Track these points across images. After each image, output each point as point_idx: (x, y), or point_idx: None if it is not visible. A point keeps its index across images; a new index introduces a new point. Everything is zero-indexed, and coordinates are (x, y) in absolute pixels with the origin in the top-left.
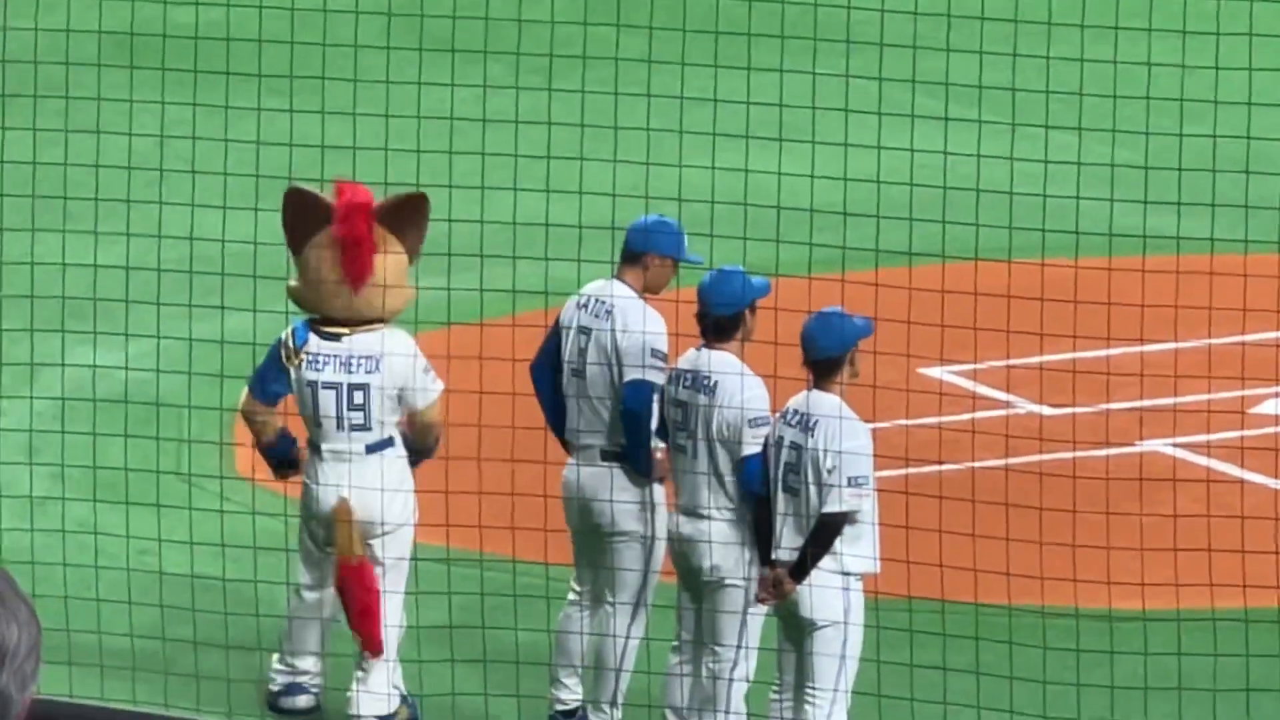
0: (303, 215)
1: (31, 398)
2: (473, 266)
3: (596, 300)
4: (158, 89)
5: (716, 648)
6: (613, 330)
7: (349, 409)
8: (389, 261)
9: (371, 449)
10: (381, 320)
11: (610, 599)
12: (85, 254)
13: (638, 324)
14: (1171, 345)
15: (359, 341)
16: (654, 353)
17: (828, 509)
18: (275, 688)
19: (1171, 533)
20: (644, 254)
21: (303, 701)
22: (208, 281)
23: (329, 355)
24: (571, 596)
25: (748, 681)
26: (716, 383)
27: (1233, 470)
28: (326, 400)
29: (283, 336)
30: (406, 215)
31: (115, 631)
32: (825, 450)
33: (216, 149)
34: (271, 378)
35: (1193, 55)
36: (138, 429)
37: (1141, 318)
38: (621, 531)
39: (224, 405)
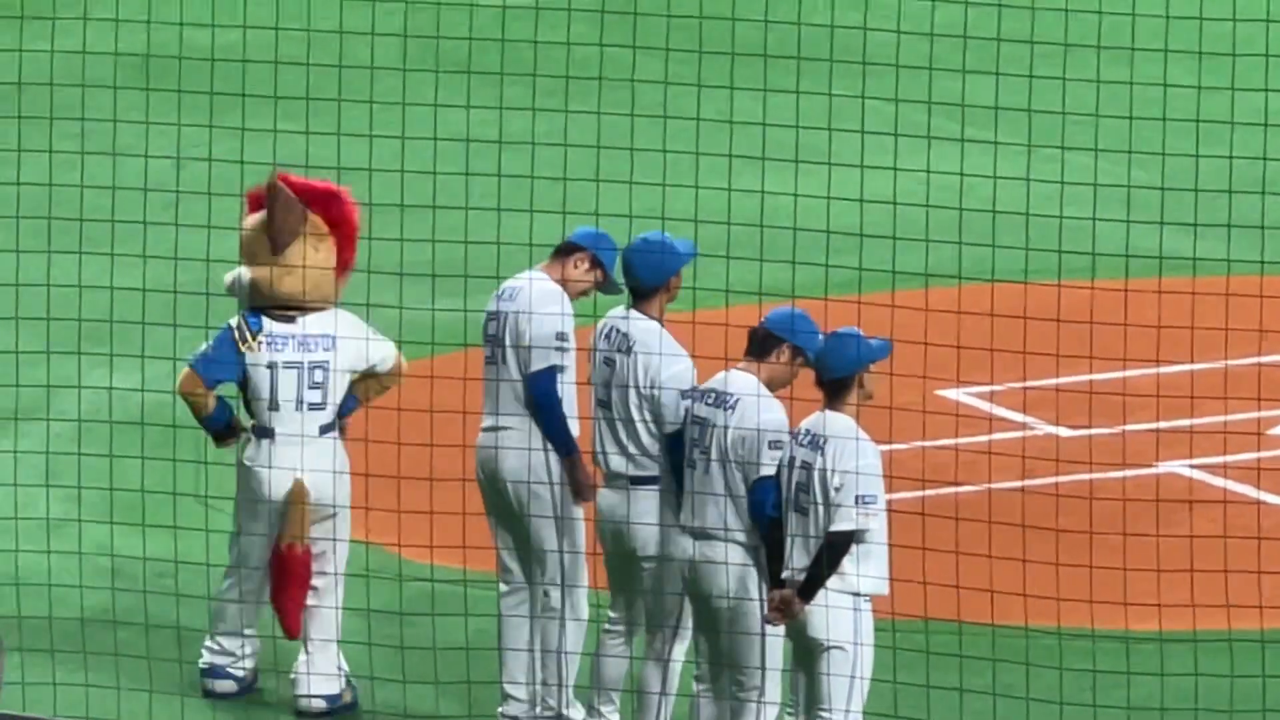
0: (291, 208)
1: (48, 420)
2: (489, 288)
3: (618, 332)
4: (174, 111)
5: (740, 676)
6: (635, 361)
7: (309, 388)
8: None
9: (324, 430)
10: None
11: (646, 622)
12: (102, 276)
13: (659, 354)
14: (1188, 366)
15: (312, 322)
16: (683, 393)
17: (835, 528)
18: (203, 665)
19: (1188, 554)
20: (661, 286)
21: (222, 686)
22: (224, 303)
23: (286, 336)
24: (606, 625)
25: (777, 704)
26: (737, 401)
27: (1249, 491)
28: (287, 381)
29: (233, 324)
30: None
31: (132, 654)
32: (834, 470)
33: (233, 171)
34: (221, 362)
35: (1209, 77)
36: (155, 451)
37: (1158, 339)
38: (654, 557)
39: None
